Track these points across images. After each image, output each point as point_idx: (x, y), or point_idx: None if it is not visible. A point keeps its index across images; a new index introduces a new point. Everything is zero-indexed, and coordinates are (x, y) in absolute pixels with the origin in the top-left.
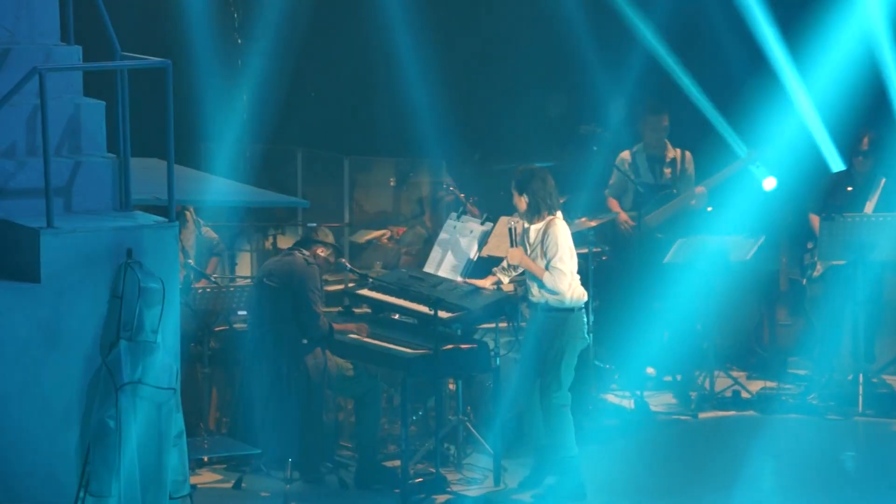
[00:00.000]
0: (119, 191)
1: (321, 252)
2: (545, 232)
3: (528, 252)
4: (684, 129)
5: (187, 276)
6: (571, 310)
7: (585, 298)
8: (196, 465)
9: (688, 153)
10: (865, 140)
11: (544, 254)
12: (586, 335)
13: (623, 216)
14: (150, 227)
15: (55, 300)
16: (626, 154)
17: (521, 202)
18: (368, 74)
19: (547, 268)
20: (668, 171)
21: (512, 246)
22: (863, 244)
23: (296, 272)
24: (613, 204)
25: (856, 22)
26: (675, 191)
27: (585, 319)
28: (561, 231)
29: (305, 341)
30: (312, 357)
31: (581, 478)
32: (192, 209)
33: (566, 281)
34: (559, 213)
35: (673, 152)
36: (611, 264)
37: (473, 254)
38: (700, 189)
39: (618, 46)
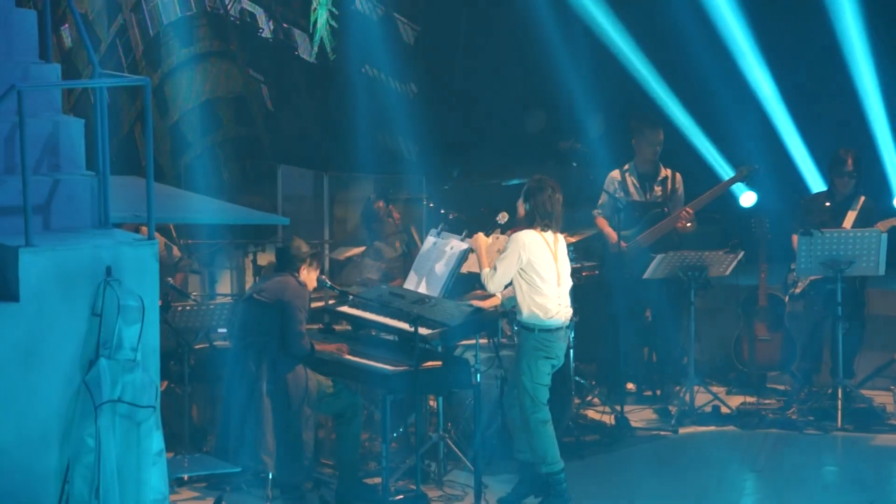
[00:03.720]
0: (98, 209)
1: (305, 271)
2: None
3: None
4: (664, 147)
5: (166, 294)
6: (528, 327)
7: (549, 318)
8: (176, 483)
9: (678, 174)
10: (850, 161)
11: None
12: (552, 355)
13: (615, 238)
14: (130, 245)
15: (34, 319)
16: (616, 173)
17: (520, 209)
18: (348, 91)
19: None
20: (658, 189)
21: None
22: (840, 259)
23: (288, 290)
24: (603, 224)
25: (836, 42)
26: (665, 209)
27: (551, 339)
28: (515, 239)
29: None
30: (293, 374)
31: (567, 494)
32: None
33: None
34: (550, 231)
35: (665, 171)
36: (592, 280)
37: (454, 270)
38: (687, 210)
39: (596, 63)
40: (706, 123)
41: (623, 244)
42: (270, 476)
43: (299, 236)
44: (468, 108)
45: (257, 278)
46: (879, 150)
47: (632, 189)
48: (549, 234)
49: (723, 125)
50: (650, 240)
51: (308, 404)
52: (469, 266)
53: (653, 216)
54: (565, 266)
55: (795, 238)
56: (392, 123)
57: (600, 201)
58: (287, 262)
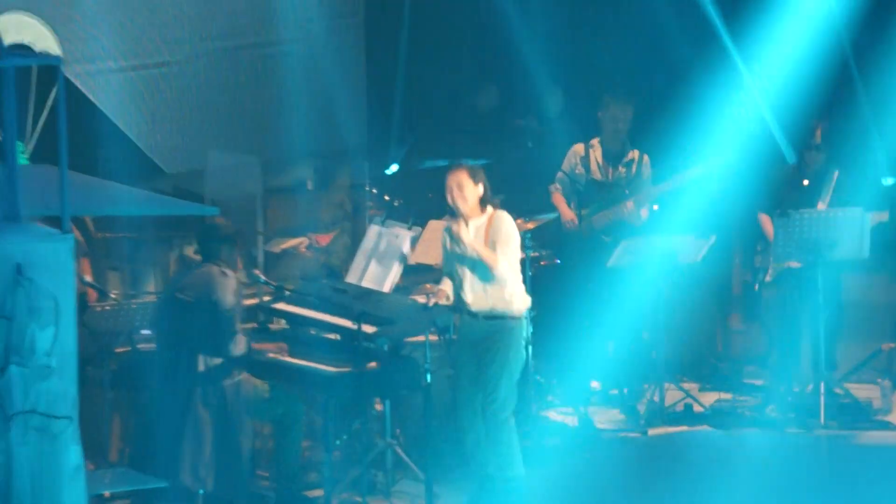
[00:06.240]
0: (7, 201)
1: (226, 255)
2: (491, 224)
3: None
4: (637, 123)
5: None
6: (517, 318)
7: (528, 307)
8: (97, 500)
9: (646, 156)
10: (818, 132)
11: (491, 244)
12: (524, 348)
13: (569, 215)
14: (42, 241)
15: None
16: (579, 147)
17: (474, 194)
18: (284, 68)
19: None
20: (622, 169)
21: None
22: (820, 243)
23: (214, 286)
24: (560, 201)
25: (807, 11)
26: (627, 192)
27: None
28: (509, 222)
29: (220, 361)
30: (230, 380)
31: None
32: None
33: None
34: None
35: (632, 153)
36: (551, 269)
37: (400, 262)
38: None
39: (554, 35)
40: (673, 97)
41: (575, 221)
42: (202, 492)
43: (230, 227)
44: (415, 85)
45: (173, 272)
46: (861, 121)
47: (594, 166)
48: None
49: (691, 100)
50: (602, 222)
51: (247, 412)
52: (417, 257)
53: (611, 197)
54: None
55: (764, 218)
56: (332, 104)
57: (558, 176)
58: (211, 247)
